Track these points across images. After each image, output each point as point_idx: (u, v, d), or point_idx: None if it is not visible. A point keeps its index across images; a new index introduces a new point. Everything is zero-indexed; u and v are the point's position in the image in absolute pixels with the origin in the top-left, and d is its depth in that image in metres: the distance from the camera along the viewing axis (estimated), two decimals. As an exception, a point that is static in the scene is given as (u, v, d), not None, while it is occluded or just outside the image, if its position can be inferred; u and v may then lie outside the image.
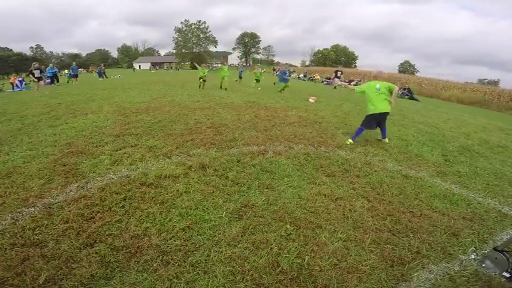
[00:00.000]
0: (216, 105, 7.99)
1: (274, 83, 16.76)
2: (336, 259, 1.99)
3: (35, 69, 11.51)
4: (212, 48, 63.43)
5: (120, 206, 2.52)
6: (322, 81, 28.86)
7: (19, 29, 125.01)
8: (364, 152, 4.38)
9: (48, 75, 16.42)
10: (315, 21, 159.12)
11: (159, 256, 1.92)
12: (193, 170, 3.33)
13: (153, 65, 68.30)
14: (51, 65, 17.47)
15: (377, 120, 4.69)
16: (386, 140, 4.94)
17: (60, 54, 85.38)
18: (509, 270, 1.92)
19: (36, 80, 11.36)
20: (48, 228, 2.17)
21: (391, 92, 4.57)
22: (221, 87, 12.62)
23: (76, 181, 2.97)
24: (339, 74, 17.68)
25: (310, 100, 10.12)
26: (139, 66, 68.83)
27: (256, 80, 14.71)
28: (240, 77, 17.83)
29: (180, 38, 60.52)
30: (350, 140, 4.77)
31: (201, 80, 12.18)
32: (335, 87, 17.52)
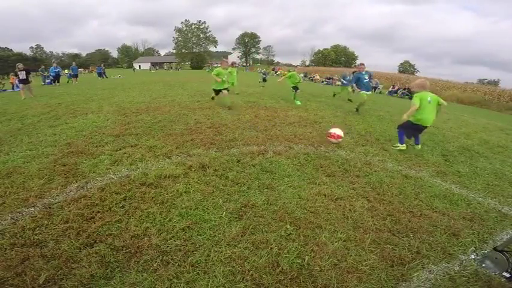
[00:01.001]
0: (216, 105, 7.99)
1: (334, 95, 12.03)
2: (336, 259, 1.99)
3: (20, 71, 10.16)
4: (212, 48, 63.62)
5: (120, 206, 2.52)
6: (322, 81, 28.93)
7: (19, 29, 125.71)
8: (364, 152, 4.39)
9: (52, 74, 16.33)
10: (316, 21, 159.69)
11: (159, 256, 1.92)
12: (193, 170, 3.33)
13: (153, 65, 68.25)
14: (54, 64, 16.93)
15: (417, 130, 4.62)
16: (419, 146, 4.80)
17: (60, 54, 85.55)
18: (509, 270, 1.92)
19: (27, 81, 10.11)
20: (48, 228, 2.17)
21: (439, 104, 4.49)
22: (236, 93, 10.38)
23: (76, 181, 2.97)
24: None
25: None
26: (139, 66, 68.87)
27: (294, 87, 9.06)
28: (265, 80, 16.95)
29: (180, 38, 60.60)
30: (401, 146, 4.62)
31: (225, 90, 7.45)
32: (353, 91, 17.23)
